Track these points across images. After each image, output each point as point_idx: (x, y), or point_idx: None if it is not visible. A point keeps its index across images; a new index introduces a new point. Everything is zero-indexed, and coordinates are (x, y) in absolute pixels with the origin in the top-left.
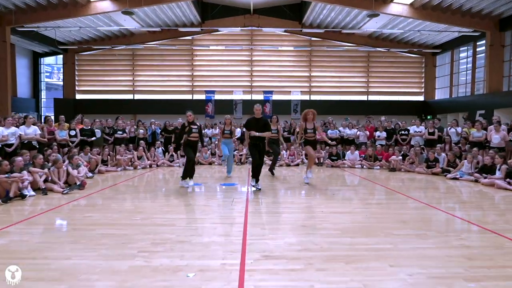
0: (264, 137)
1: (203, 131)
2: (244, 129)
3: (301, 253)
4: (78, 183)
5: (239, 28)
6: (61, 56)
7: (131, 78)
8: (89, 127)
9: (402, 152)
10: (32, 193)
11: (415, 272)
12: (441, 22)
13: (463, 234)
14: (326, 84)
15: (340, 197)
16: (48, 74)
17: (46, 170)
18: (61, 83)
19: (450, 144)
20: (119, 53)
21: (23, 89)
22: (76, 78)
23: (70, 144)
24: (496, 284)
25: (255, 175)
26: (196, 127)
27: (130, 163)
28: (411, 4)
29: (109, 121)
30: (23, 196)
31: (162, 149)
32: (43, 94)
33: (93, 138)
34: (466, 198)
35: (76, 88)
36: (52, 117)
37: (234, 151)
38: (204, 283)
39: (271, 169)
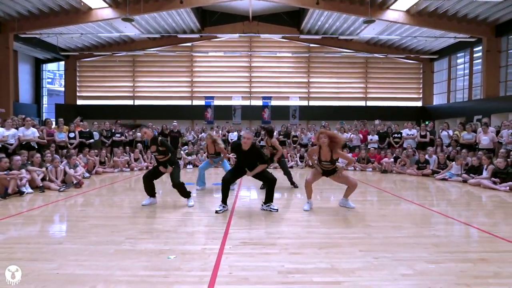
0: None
1: (200, 135)
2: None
3: (279, 240)
4: (75, 181)
5: (238, 34)
6: (63, 63)
7: (132, 84)
8: (87, 130)
9: (394, 155)
10: (30, 190)
11: (381, 255)
12: (438, 28)
13: (438, 226)
14: (325, 90)
15: (326, 195)
16: (50, 80)
17: (44, 169)
18: (63, 89)
19: (441, 147)
20: (120, 59)
21: (25, 94)
22: (78, 84)
23: (69, 145)
24: (455, 265)
25: (224, 197)
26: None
27: (127, 165)
28: (407, 11)
29: (107, 124)
30: (21, 193)
31: None
32: (45, 100)
33: (91, 141)
34: (451, 197)
35: (77, 94)
36: (53, 121)
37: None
38: (183, 263)
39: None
